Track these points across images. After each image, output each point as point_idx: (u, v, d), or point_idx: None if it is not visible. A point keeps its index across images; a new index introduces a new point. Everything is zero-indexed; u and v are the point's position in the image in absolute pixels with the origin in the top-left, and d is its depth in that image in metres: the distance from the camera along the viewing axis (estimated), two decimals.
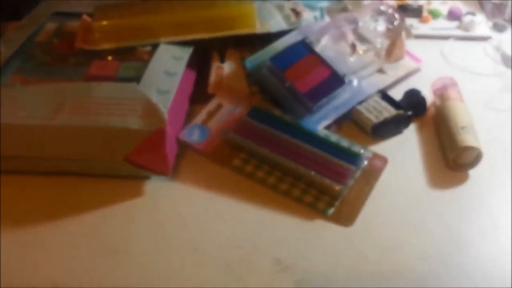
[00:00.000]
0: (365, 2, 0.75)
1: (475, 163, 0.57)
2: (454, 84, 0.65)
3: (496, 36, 0.81)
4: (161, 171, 0.54)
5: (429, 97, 0.66)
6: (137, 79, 0.57)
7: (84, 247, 0.49)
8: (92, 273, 0.47)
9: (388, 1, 0.77)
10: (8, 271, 0.47)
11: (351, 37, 0.67)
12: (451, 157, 0.56)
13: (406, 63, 0.70)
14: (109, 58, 0.66)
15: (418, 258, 0.48)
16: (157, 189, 0.55)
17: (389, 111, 0.61)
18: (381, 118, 0.60)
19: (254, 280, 0.46)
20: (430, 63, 0.73)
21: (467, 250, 0.49)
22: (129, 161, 0.52)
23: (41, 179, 0.55)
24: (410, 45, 0.73)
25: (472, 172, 0.57)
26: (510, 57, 0.75)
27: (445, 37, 0.80)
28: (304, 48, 0.65)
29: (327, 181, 0.53)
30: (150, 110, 0.52)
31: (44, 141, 0.53)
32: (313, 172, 0.54)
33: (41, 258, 0.48)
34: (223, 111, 0.62)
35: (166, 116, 0.52)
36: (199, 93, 0.66)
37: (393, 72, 0.68)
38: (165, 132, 0.52)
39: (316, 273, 0.47)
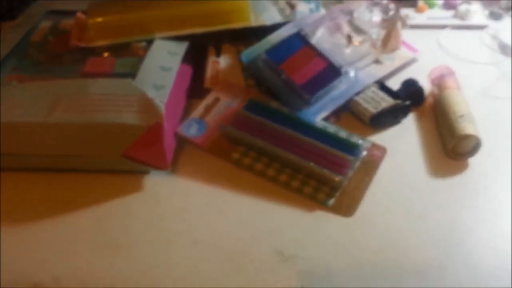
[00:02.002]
0: None
1: (474, 152, 0.56)
2: (451, 73, 0.65)
3: (492, 24, 0.81)
4: (160, 165, 0.54)
5: (427, 87, 0.66)
6: (132, 75, 0.57)
7: (85, 242, 0.49)
8: (93, 268, 0.47)
9: None
10: (9, 267, 0.46)
11: (346, 29, 0.67)
12: (450, 146, 0.56)
13: (403, 53, 0.70)
14: (105, 54, 0.66)
15: (418, 247, 0.48)
16: (157, 183, 0.55)
17: (387, 101, 0.61)
18: (379, 108, 0.60)
19: (255, 272, 0.46)
20: (427, 53, 0.73)
21: (468, 238, 0.49)
22: (127, 156, 0.52)
23: (40, 176, 0.55)
24: (407, 35, 0.73)
25: (471, 161, 0.57)
26: (507, 45, 0.75)
27: (441, 27, 0.80)
28: (300, 41, 0.65)
29: (326, 172, 0.53)
30: (147, 105, 0.52)
31: (40, 139, 0.52)
32: (312, 163, 0.53)
33: (42, 254, 0.48)
34: (221, 105, 0.62)
35: (162, 110, 0.52)
36: (196, 88, 0.65)
37: (389, 62, 0.68)
38: (162, 126, 0.51)
39: (317, 264, 0.47)
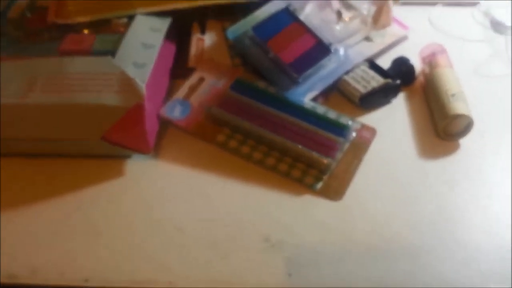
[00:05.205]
0: None
1: (466, 132, 0.55)
2: (442, 50, 0.63)
3: (484, 1, 0.79)
4: (142, 149, 0.52)
5: (418, 65, 0.64)
6: (112, 52, 0.54)
7: (64, 230, 0.47)
8: (73, 257, 0.45)
9: None
10: None
11: (336, 4, 0.65)
12: (441, 126, 0.55)
13: (394, 30, 0.68)
14: (86, 31, 0.63)
15: (410, 230, 0.47)
16: (139, 168, 0.53)
17: (377, 81, 0.59)
18: (369, 88, 0.58)
19: (241, 259, 0.45)
20: (418, 30, 0.71)
21: (459, 221, 0.48)
22: (107, 139, 0.50)
23: (15, 161, 0.53)
24: (397, 11, 0.70)
25: (462, 141, 0.56)
26: (500, 22, 0.73)
27: (433, 3, 0.77)
28: (288, 16, 0.62)
29: (314, 155, 0.51)
30: (127, 84, 0.50)
31: (16, 121, 0.50)
32: (300, 146, 0.52)
33: (18, 244, 0.46)
34: (205, 85, 0.60)
35: (143, 90, 0.49)
36: (179, 67, 0.63)
37: (380, 39, 0.66)
38: (143, 107, 0.49)
39: (306, 249, 0.46)
